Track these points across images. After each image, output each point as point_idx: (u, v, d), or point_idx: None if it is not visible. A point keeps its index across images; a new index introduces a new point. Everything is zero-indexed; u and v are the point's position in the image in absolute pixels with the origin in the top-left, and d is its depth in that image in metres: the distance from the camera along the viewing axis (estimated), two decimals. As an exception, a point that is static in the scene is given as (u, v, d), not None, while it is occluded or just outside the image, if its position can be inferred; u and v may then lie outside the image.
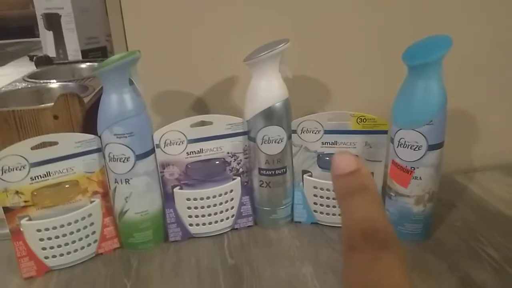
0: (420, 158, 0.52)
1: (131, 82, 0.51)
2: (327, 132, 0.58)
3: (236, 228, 0.61)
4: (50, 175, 0.52)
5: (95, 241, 0.56)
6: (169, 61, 0.65)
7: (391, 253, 0.19)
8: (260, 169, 0.58)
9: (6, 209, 0.51)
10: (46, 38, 1.34)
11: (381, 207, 0.21)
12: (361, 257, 0.19)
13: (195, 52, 0.65)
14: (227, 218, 0.60)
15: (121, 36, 0.62)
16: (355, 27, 0.66)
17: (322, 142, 0.58)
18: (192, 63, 0.65)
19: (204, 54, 0.65)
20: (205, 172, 0.58)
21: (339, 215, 0.59)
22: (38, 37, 1.41)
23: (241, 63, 0.54)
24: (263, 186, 0.59)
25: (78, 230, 0.54)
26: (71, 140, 0.53)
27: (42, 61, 1.13)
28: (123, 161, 0.53)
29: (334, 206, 0.59)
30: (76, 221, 0.54)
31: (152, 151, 0.55)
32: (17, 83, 0.90)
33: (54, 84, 0.89)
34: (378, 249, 0.19)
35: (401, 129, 0.52)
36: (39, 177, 0.51)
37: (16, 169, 0.50)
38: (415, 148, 0.52)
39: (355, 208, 0.21)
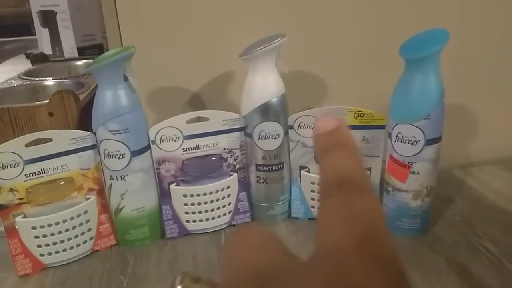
0: (418, 153, 0.52)
1: (126, 78, 0.51)
2: (324, 127, 0.57)
3: (233, 224, 0.60)
4: (44, 172, 0.52)
5: (91, 238, 0.56)
6: (164, 57, 0.64)
7: (364, 199, 0.19)
8: (257, 165, 0.58)
9: (1, 207, 0.50)
10: (42, 36, 1.33)
11: (359, 161, 0.21)
12: (333, 201, 0.19)
13: (191, 47, 0.64)
14: (224, 215, 0.59)
15: (116, 32, 0.62)
16: (352, 22, 0.66)
17: (319, 138, 0.58)
18: (187, 59, 0.65)
19: (200, 49, 0.64)
20: (202, 169, 0.58)
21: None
22: (35, 35, 1.40)
23: (237, 58, 0.54)
24: (260, 182, 0.59)
25: (74, 228, 0.54)
26: (66, 137, 0.52)
27: (38, 59, 1.12)
28: (119, 158, 0.52)
29: (331, 202, 0.59)
30: (72, 219, 0.53)
31: (148, 147, 0.55)
32: (13, 81, 0.90)
33: (49, 81, 0.88)
34: (353, 194, 0.19)
35: (398, 123, 0.52)
36: (34, 174, 0.51)
37: (10, 166, 0.50)
38: (413, 142, 0.51)
39: (332, 162, 0.21)
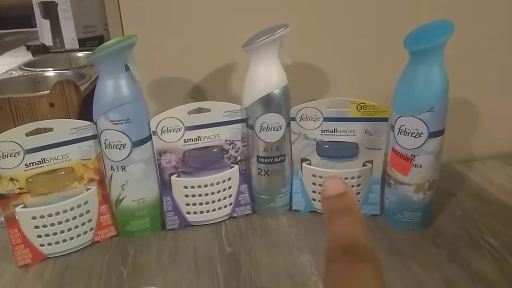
0: (420, 146, 0.51)
1: (127, 68, 0.50)
2: (326, 119, 0.57)
3: (234, 217, 0.60)
4: (45, 162, 0.51)
5: (91, 228, 0.55)
6: (166, 47, 0.64)
7: (367, 266, 0.21)
8: (258, 157, 0.57)
9: (1, 196, 0.50)
10: (43, 27, 1.33)
11: (363, 227, 0.23)
12: (338, 267, 0.21)
13: (193, 38, 0.64)
14: (225, 206, 0.59)
15: (117, 21, 0.61)
16: (355, 13, 0.65)
17: (321, 130, 0.57)
18: (189, 49, 0.64)
19: (202, 39, 0.64)
20: (203, 160, 0.57)
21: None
22: (36, 27, 1.40)
23: (239, 49, 0.53)
24: (261, 174, 0.58)
25: (74, 218, 0.53)
26: (67, 127, 0.52)
27: (39, 50, 1.12)
28: (119, 148, 0.52)
29: (333, 195, 0.59)
30: (72, 209, 0.53)
31: (149, 138, 0.54)
32: (13, 72, 0.90)
33: (50, 72, 0.88)
34: (355, 261, 0.21)
35: (401, 116, 0.51)
36: (34, 163, 0.51)
37: (11, 156, 0.49)
38: (416, 135, 0.51)
39: (338, 226, 0.23)
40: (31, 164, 0.51)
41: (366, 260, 0.21)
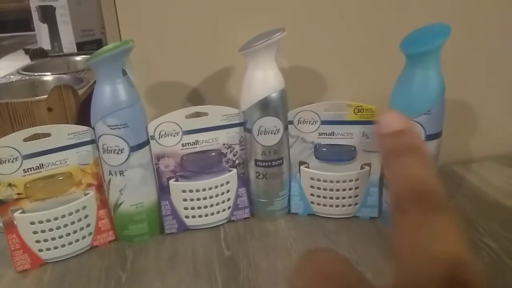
0: (417, 148, 0.51)
1: (124, 73, 0.50)
2: (324, 122, 0.57)
3: (233, 220, 0.60)
4: (43, 167, 0.51)
5: (90, 233, 0.55)
6: (163, 51, 0.64)
7: (444, 216, 0.18)
8: (256, 160, 0.57)
9: (-1, 202, 0.50)
10: (41, 31, 1.33)
11: (432, 168, 0.20)
12: (411, 219, 0.18)
13: (190, 42, 0.64)
14: (224, 210, 0.59)
15: (115, 27, 0.61)
16: (352, 16, 0.66)
17: (319, 133, 0.58)
18: (186, 53, 0.64)
19: (199, 44, 0.64)
20: (201, 164, 0.58)
21: (336, 206, 0.59)
22: (34, 30, 1.40)
23: (236, 53, 0.53)
24: (259, 178, 0.58)
25: (73, 223, 0.53)
26: (64, 132, 0.52)
27: (37, 54, 1.11)
28: (117, 153, 0.52)
29: (331, 198, 0.59)
30: (70, 214, 0.53)
31: (147, 142, 0.54)
32: (11, 76, 0.89)
33: (48, 76, 0.88)
34: (430, 211, 0.18)
35: (398, 119, 0.51)
36: (32, 169, 0.51)
37: (8, 161, 0.49)
38: (413, 138, 0.51)
39: (404, 169, 0.19)
40: (29, 170, 0.51)
41: (441, 209, 0.18)
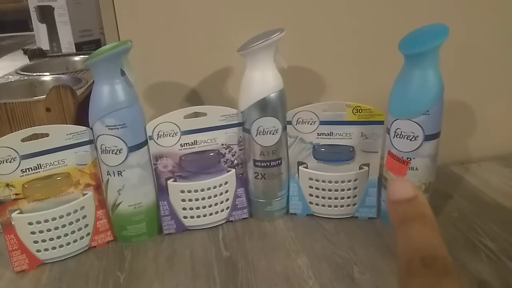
0: (416, 149, 0.51)
1: (122, 73, 0.50)
2: (322, 123, 0.57)
3: (231, 220, 0.60)
4: (41, 168, 0.51)
5: (88, 234, 0.55)
6: (162, 52, 0.64)
7: (452, 280, 0.19)
8: (255, 160, 0.57)
9: (-3, 202, 0.50)
10: (40, 31, 1.33)
11: (440, 236, 0.21)
12: (421, 281, 0.19)
13: (188, 42, 0.64)
14: (222, 210, 0.59)
15: (113, 27, 0.61)
16: (350, 16, 0.66)
17: (317, 133, 0.58)
18: (185, 53, 0.64)
19: (198, 44, 0.64)
20: (199, 164, 0.57)
21: (335, 206, 0.59)
22: (32, 31, 1.40)
23: (235, 53, 0.53)
24: (258, 178, 0.58)
25: (71, 223, 0.53)
26: (62, 132, 0.52)
27: (36, 54, 1.11)
28: (116, 153, 0.52)
29: (329, 198, 0.59)
30: (68, 214, 0.53)
31: (145, 143, 0.54)
32: (10, 76, 0.89)
33: (47, 76, 0.88)
34: (439, 276, 0.19)
35: (397, 119, 0.51)
36: (30, 169, 0.51)
37: (6, 162, 0.49)
38: (412, 138, 0.51)
39: (414, 235, 0.21)
40: (27, 170, 0.51)
41: (449, 274, 0.20)
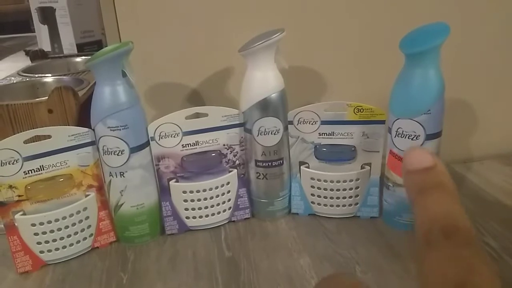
0: (417, 148, 0.51)
1: (124, 74, 0.50)
2: (324, 122, 0.57)
3: (233, 221, 0.60)
4: (43, 169, 0.51)
5: (91, 235, 0.55)
6: (163, 53, 0.64)
7: (474, 252, 0.18)
8: (256, 161, 0.58)
9: (0, 204, 0.50)
10: (41, 32, 1.33)
11: (460, 205, 0.20)
12: (442, 254, 0.18)
13: (189, 43, 0.64)
14: (224, 211, 0.59)
15: (114, 28, 0.61)
16: (351, 16, 0.66)
17: (319, 133, 0.58)
18: (186, 54, 0.64)
19: (199, 45, 0.64)
20: (201, 165, 0.58)
21: (337, 206, 0.59)
22: (34, 32, 1.40)
23: (236, 53, 0.53)
24: (260, 178, 0.58)
25: (73, 224, 0.54)
26: (65, 134, 0.52)
27: (37, 55, 1.12)
28: (118, 154, 0.52)
29: (331, 198, 0.59)
30: (71, 215, 0.53)
31: (147, 143, 0.54)
32: (12, 78, 0.90)
33: (49, 78, 0.88)
34: (461, 246, 0.18)
35: (398, 118, 0.51)
36: (33, 171, 0.51)
37: (9, 163, 0.49)
38: (413, 137, 0.51)
39: (433, 204, 0.20)
40: (30, 172, 0.51)
41: (472, 244, 0.18)
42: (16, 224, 0.51)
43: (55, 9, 1.27)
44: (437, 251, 0.18)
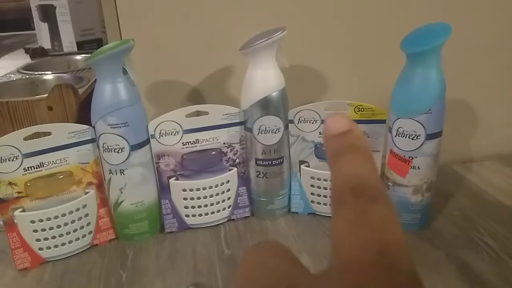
0: (418, 148, 0.51)
1: (125, 72, 0.50)
2: (324, 121, 0.57)
3: (233, 219, 0.60)
4: (43, 166, 0.51)
5: (90, 232, 0.55)
6: (164, 50, 0.64)
7: (381, 205, 0.19)
8: (256, 159, 0.57)
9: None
10: (41, 30, 1.33)
11: (373, 164, 0.20)
12: (350, 210, 0.18)
13: (190, 41, 0.64)
14: (224, 209, 0.59)
15: (115, 25, 0.61)
16: (353, 15, 0.66)
17: (319, 132, 0.58)
18: (187, 52, 0.64)
19: (200, 43, 0.64)
20: (201, 163, 0.58)
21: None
22: (34, 29, 1.40)
23: (237, 52, 0.53)
24: (260, 177, 0.58)
25: (73, 221, 0.53)
26: (65, 131, 0.52)
27: (37, 53, 1.11)
28: (118, 152, 0.52)
29: (331, 197, 0.59)
30: (71, 212, 0.53)
31: (147, 141, 0.54)
32: (12, 75, 0.89)
33: (49, 75, 0.88)
34: (369, 202, 0.19)
35: (399, 118, 0.51)
36: (32, 168, 0.51)
37: (9, 160, 0.49)
38: (413, 137, 0.51)
39: (345, 166, 0.20)
40: (30, 168, 0.51)
41: (379, 200, 0.19)
42: (15, 221, 0.51)
43: (56, 7, 1.27)
44: (345, 208, 0.19)
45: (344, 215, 0.19)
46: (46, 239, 0.52)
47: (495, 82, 0.72)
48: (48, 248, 0.53)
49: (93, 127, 0.52)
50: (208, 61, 0.65)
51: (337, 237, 0.18)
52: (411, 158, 0.52)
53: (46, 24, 1.30)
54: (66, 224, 0.53)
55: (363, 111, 0.55)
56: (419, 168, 0.52)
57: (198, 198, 0.57)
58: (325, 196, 0.59)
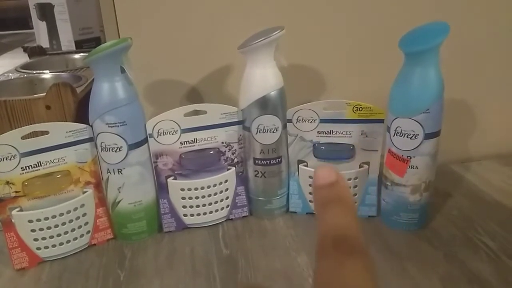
0: (416, 147, 0.51)
1: (123, 70, 0.50)
2: (322, 121, 0.57)
3: (231, 219, 0.60)
4: (41, 165, 0.51)
5: (88, 232, 0.55)
6: (162, 49, 0.64)
7: (356, 259, 0.20)
8: (255, 159, 0.57)
9: (-3, 200, 0.50)
10: (40, 29, 1.33)
11: (354, 217, 0.22)
12: (328, 262, 0.20)
13: (189, 40, 0.64)
14: (222, 209, 0.59)
15: (113, 24, 0.61)
16: (351, 14, 0.66)
17: (317, 132, 0.58)
18: (185, 51, 0.64)
19: (198, 42, 0.64)
20: (199, 162, 0.57)
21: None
22: (32, 28, 1.40)
23: (235, 51, 0.53)
24: (258, 176, 0.58)
25: (71, 221, 0.53)
26: (62, 130, 0.52)
27: (36, 52, 1.11)
28: (116, 151, 0.52)
29: (329, 196, 0.59)
30: (68, 212, 0.53)
31: (145, 140, 0.54)
32: (10, 74, 0.89)
33: (47, 74, 0.88)
34: (344, 255, 0.20)
35: (397, 117, 0.51)
36: (30, 167, 0.51)
37: (6, 159, 0.49)
38: (412, 136, 0.51)
39: (329, 217, 0.22)
40: (27, 168, 0.51)
41: (355, 252, 0.20)
42: (13, 220, 0.51)
43: (54, 6, 1.26)
44: (325, 261, 0.20)
45: (323, 267, 0.20)
46: (44, 238, 0.52)
47: (494, 81, 0.72)
48: (46, 247, 0.53)
49: (91, 126, 0.52)
50: (206, 60, 0.65)
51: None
52: (409, 157, 0.52)
53: (44, 23, 1.30)
54: (64, 223, 0.53)
55: (362, 110, 0.55)
56: (417, 168, 0.52)
57: (196, 197, 0.57)
58: (323, 196, 0.59)
